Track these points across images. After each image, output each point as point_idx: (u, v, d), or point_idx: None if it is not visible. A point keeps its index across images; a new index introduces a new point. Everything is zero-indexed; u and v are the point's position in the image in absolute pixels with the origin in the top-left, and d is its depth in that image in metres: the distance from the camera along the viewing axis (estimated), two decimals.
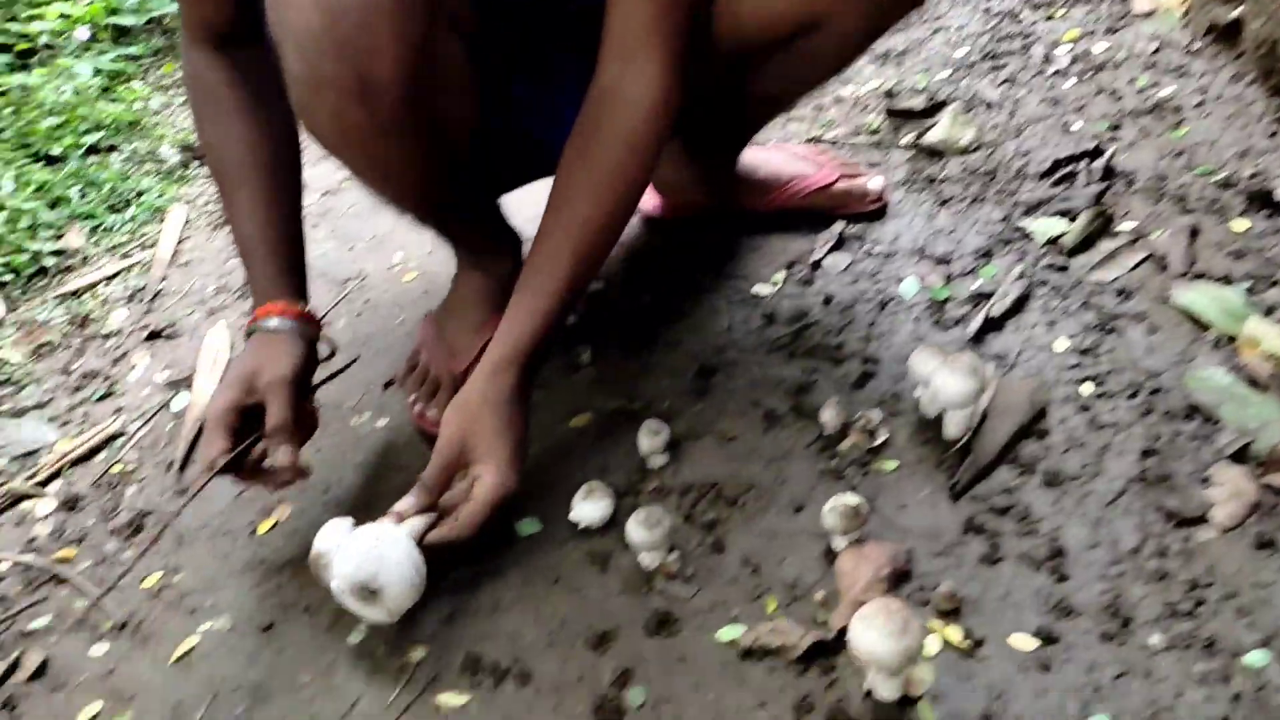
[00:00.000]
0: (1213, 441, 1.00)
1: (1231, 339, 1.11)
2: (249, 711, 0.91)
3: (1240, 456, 0.98)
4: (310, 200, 1.78)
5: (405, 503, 0.96)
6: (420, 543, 0.92)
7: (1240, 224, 1.28)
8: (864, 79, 1.78)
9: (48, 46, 2.37)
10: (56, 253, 1.73)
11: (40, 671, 1.00)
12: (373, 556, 0.88)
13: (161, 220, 1.81)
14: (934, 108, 1.62)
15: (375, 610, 0.89)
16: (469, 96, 1.04)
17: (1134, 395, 1.06)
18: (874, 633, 0.75)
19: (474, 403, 0.98)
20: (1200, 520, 0.93)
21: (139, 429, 1.31)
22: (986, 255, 1.31)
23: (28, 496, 1.23)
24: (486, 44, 1.05)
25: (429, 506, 0.96)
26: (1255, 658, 0.81)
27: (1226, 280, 1.19)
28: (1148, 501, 0.95)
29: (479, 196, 1.22)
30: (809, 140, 1.63)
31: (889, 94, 1.70)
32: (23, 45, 2.38)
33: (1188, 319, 1.15)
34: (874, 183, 1.41)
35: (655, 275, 1.38)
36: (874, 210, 1.40)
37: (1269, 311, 1.14)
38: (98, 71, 2.25)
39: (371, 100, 0.87)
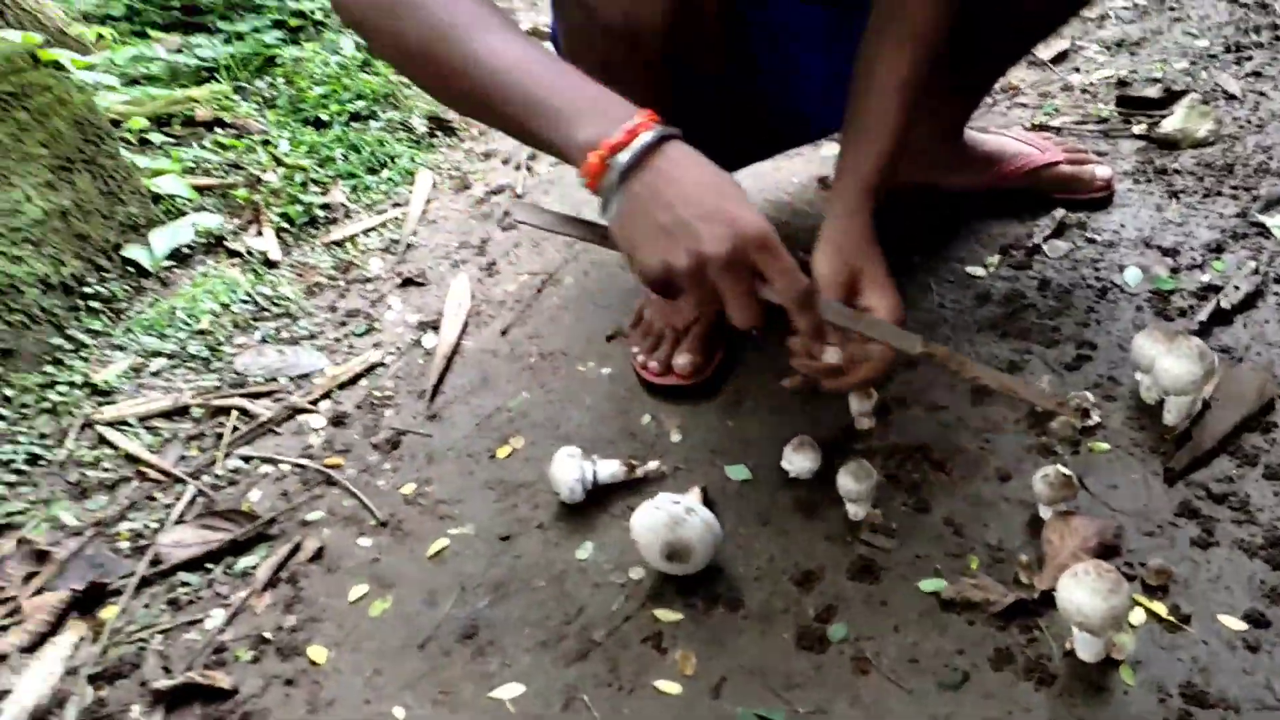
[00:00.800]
0: None
1: None
2: (491, 605, 1.05)
3: None
4: (542, 169, 1.94)
5: (831, 354, 0.94)
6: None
7: None
8: (1094, 66, 1.75)
9: (316, 23, 2.65)
10: (324, 206, 1.96)
11: (318, 555, 1.17)
12: (683, 526, 0.97)
13: (412, 182, 2.01)
14: (1169, 98, 1.58)
15: (680, 567, 0.99)
16: (719, 48, 1.11)
17: None
18: (1084, 590, 0.79)
19: (848, 238, 1.00)
20: None
21: (395, 362, 1.48)
22: (1218, 249, 1.28)
23: (304, 411, 1.43)
24: None
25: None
26: None
27: None
28: None
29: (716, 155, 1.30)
30: (1032, 127, 1.62)
31: (1121, 83, 1.67)
32: (294, 21, 2.67)
33: None
34: (1101, 170, 1.40)
35: None
36: (1099, 198, 1.39)
37: None
38: (359, 46, 2.51)
39: (637, 41, 0.96)
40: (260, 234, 1.89)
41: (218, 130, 2.28)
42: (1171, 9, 1.93)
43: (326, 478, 1.28)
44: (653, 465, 1.15)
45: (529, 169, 1.94)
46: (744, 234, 0.74)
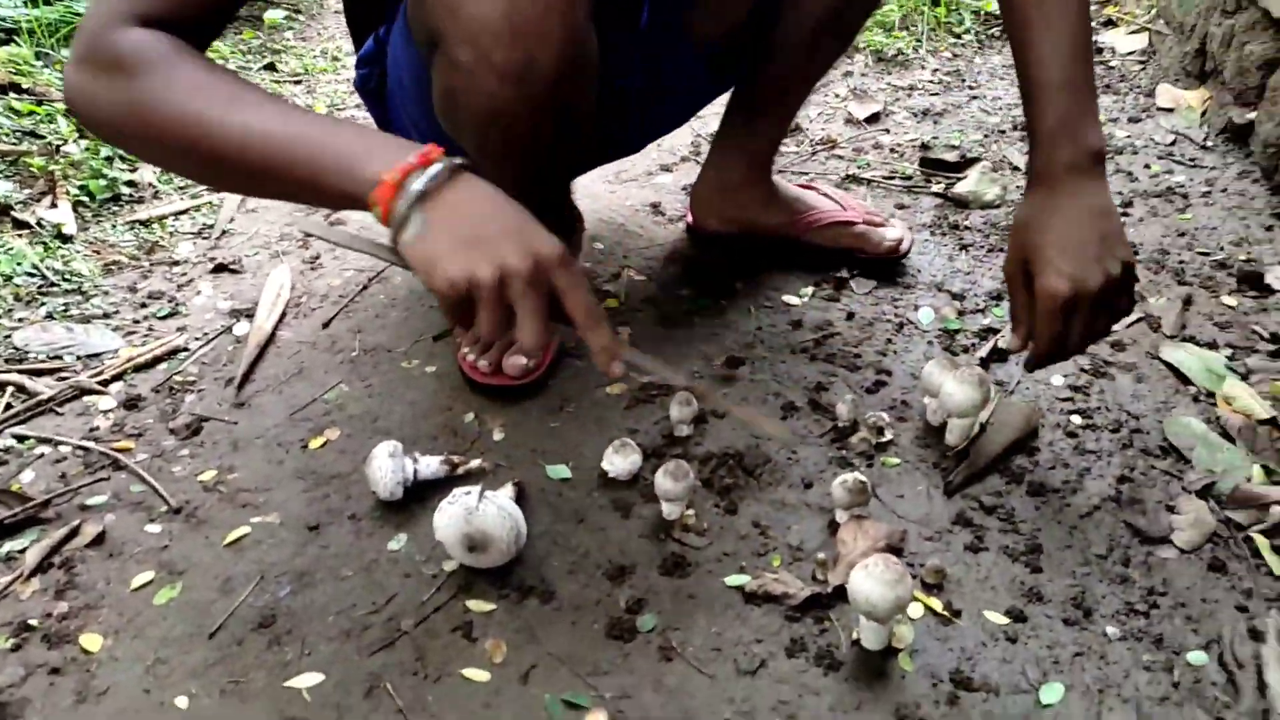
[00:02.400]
0: (1181, 478, 1.11)
1: (1210, 395, 1.23)
2: (293, 594, 1.00)
3: (1205, 493, 1.09)
4: None
5: (1014, 341, 1.02)
6: None
7: (1230, 300, 1.41)
8: (902, 130, 1.92)
9: None
10: (130, 183, 1.84)
11: (98, 540, 1.08)
12: (478, 515, 0.96)
13: None
14: (964, 163, 1.76)
15: (485, 559, 0.99)
16: (595, 79, 1.11)
17: (1116, 430, 1.18)
18: (872, 580, 0.85)
19: (1021, 218, 1.01)
20: (1163, 540, 1.04)
21: (200, 347, 1.40)
22: (998, 297, 1.43)
23: (91, 392, 1.32)
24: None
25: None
26: (1197, 656, 0.92)
27: (1212, 346, 1.32)
28: (1119, 519, 1.06)
29: (568, 172, 1.32)
30: (846, 177, 1.76)
31: (924, 146, 1.83)
32: None
33: (1172, 374, 1.27)
34: (893, 232, 1.50)
35: (695, 276, 1.50)
36: (886, 259, 1.48)
37: (1246, 376, 1.26)
38: None
39: (529, 83, 0.94)
40: (55, 206, 1.74)
41: (12, 95, 2.10)
42: (970, 88, 2.15)
43: (114, 461, 1.19)
44: (474, 463, 1.15)
45: None
46: (545, 252, 0.77)
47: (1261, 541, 1.03)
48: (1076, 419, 1.19)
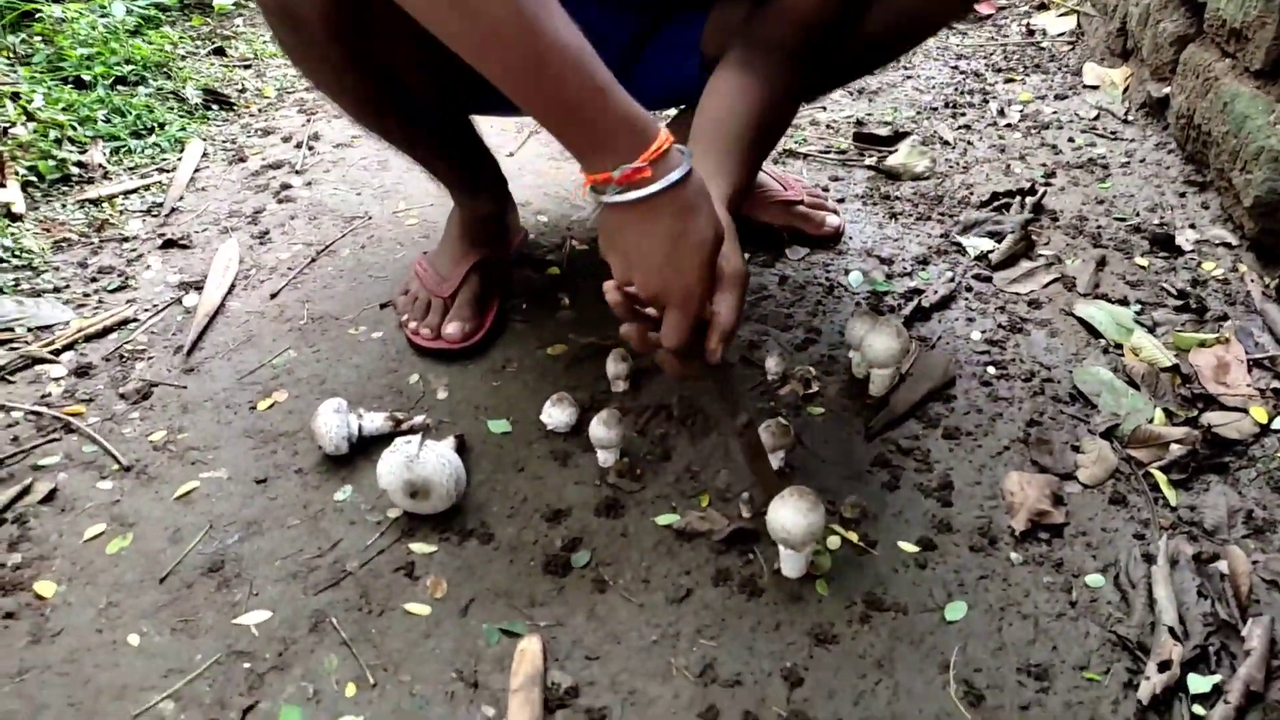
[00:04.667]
0: (1087, 421, 1.18)
1: (1119, 347, 1.30)
2: (241, 541, 1.04)
3: (1108, 434, 1.16)
4: (324, 150, 1.93)
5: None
6: None
7: (1142, 261, 1.49)
8: (839, 108, 1.98)
9: None
10: (80, 164, 1.85)
11: (50, 497, 1.11)
12: (419, 462, 1.01)
13: (181, 150, 1.94)
14: (896, 138, 1.83)
15: (426, 505, 1.03)
16: (411, 43, 1.14)
17: (1029, 380, 1.25)
18: (788, 509, 0.91)
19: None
20: (1068, 477, 1.10)
21: (150, 318, 1.43)
22: (924, 262, 1.50)
23: (42, 361, 1.35)
24: None
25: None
26: (1094, 579, 0.98)
27: (1123, 302, 1.39)
28: (1026, 458, 1.13)
29: (452, 134, 1.29)
30: (785, 152, 1.82)
31: (859, 122, 1.90)
32: None
33: (1084, 329, 1.34)
34: (832, 219, 1.54)
35: None
36: (825, 240, 1.53)
37: (1153, 328, 1.33)
38: (130, 12, 2.39)
39: (297, 26, 0.99)
40: (3, 185, 1.76)
41: None
42: (905, 69, 2.22)
43: (65, 425, 1.22)
44: (418, 419, 1.19)
45: (310, 147, 1.93)
46: (729, 269, 0.91)
47: (1160, 477, 1.11)
48: (991, 369, 1.26)
